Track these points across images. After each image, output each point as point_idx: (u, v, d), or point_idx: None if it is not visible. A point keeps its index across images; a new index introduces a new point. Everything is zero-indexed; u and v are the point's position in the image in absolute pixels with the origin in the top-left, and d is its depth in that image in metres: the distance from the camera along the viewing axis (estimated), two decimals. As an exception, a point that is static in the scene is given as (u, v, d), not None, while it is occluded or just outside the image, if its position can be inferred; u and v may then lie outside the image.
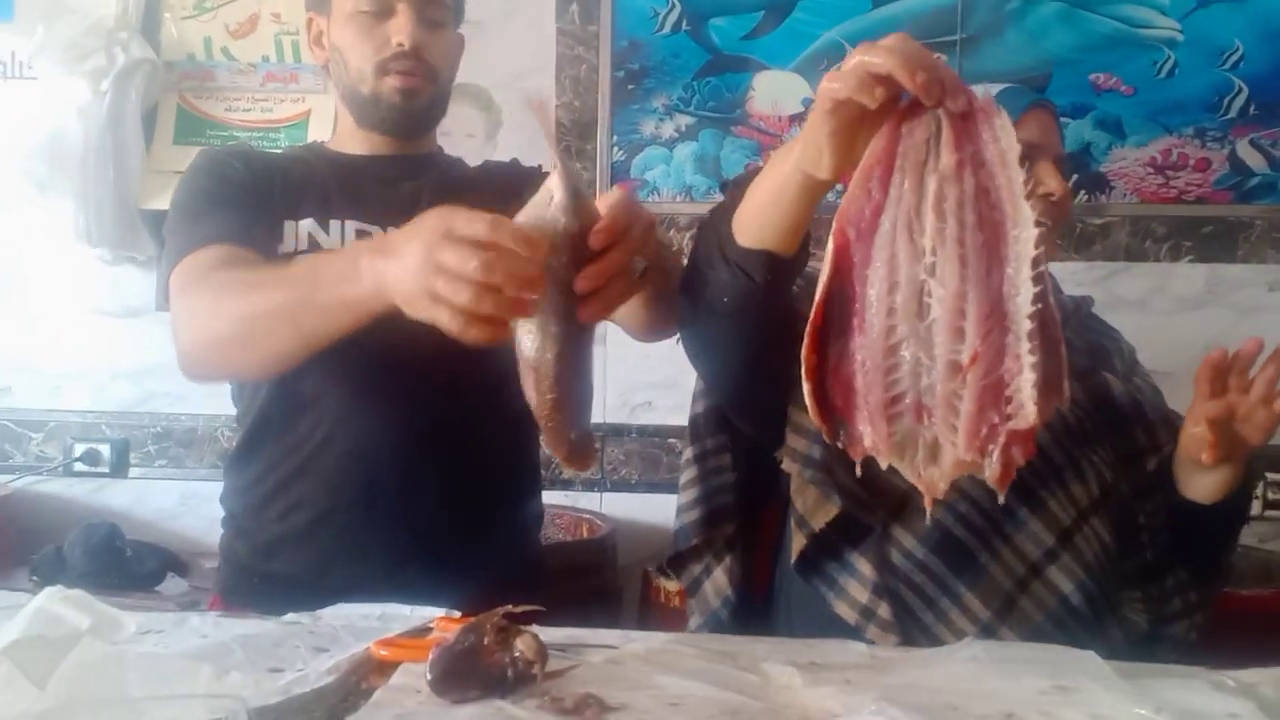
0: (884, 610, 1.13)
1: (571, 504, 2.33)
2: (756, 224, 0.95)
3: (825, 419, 0.79)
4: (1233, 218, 2.28)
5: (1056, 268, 0.74)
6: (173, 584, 2.16)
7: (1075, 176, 2.26)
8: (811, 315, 0.78)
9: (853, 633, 1.12)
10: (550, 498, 2.33)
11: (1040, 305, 0.72)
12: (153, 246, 2.34)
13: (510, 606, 0.82)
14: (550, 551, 2.07)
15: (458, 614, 0.99)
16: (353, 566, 1.29)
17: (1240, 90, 2.26)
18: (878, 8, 2.33)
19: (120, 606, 0.95)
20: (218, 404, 1.90)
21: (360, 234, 1.32)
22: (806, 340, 0.78)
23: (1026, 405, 0.73)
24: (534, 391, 0.89)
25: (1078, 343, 1.30)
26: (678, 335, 1.13)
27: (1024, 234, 0.73)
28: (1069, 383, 0.75)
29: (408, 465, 1.29)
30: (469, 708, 0.76)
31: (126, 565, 2.15)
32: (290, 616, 1.00)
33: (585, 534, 2.23)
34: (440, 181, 1.37)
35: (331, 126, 1.67)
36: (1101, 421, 1.27)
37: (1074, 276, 2.18)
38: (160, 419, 2.45)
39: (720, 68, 2.37)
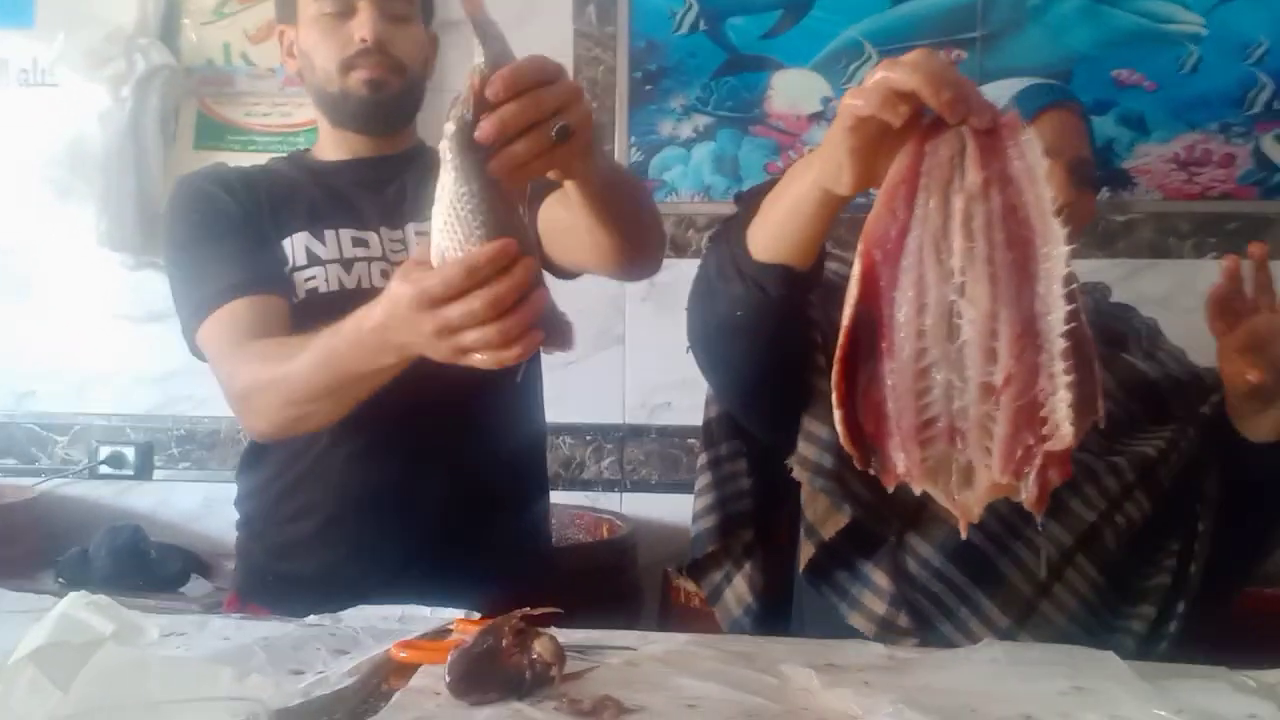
0: (903, 620, 1.11)
1: (591, 505, 2.33)
2: (772, 238, 0.93)
3: (857, 445, 0.77)
4: (1258, 214, 2.25)
5: (1079, 265, 0.73)
6: (197, 585, 2.18)
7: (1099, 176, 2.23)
8: (840, 341, 0.76)
9: (868, 643, 1.10)
10: (570, 498, 2.35)
11: (1074, 323, 0.71)
12: (174, 251, 2.36)
13: (529, 609, 0.83)
14: (570, 552, 2.08)
15: (477, 615, 1.00)
16: (364, 567, 1.31)
17: (1265, 85, 2.23)
18: (897, 5, 2.31)
19: (145, 608, 0.96)
20: (239, 407, 1.91)
21: (355, 241, 1.34)
22: (836, 368, 0.76)
23: (1063, 425, 0.71)
24: (460, 251, 0.88)
25: (1093, 332, 1.27)
26: (688, 345, 1.12)
27: (1054, 251, 0.72)
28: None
29: (414, 467, 1.31)
30: (487, 710, 0.77)
31: (151, 567, 2.18)
32: (311, 619, 1.01)
33: (605, 534, 2.23)
34: (422, 176, 1.36)
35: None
36: (1135, 407, 1.25)
37: (1097, 274, 2.14)
38: (183, 422, 2.47)
39: (738, 67, 2.36)
